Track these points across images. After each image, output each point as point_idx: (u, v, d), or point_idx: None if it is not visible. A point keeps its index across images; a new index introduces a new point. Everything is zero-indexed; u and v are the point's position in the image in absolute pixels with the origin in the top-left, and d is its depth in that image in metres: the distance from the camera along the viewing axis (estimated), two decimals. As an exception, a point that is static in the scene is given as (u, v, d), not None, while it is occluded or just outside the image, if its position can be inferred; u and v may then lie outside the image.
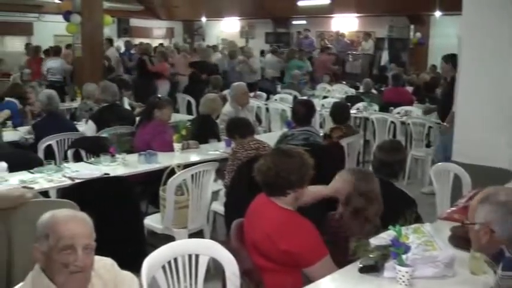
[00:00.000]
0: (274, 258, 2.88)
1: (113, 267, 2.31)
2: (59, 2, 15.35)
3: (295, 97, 10.38)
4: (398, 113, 8.73)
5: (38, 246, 2.09)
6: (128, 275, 2.33)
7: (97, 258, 2.19)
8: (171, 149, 5.55)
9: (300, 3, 16.68)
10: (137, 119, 6.63)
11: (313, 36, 18.02)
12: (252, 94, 9.14)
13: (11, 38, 17.63)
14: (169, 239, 4.33)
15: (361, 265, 2.68)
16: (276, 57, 14.10)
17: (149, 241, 4.57)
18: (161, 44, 17.91)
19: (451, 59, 6.73)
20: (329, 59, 14.66)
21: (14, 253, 3.35)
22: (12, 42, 17.25)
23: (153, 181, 4.87)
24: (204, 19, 20.20)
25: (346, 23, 18.12)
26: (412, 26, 16.60)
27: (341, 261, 2.89)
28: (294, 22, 19.32)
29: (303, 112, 5.42)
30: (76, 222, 2.12)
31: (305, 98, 8.96)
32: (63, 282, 2.06)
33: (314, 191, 3.27)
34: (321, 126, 8.55)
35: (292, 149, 3.18)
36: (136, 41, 17.54)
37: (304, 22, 18.76)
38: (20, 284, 2.16)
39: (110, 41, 14.17)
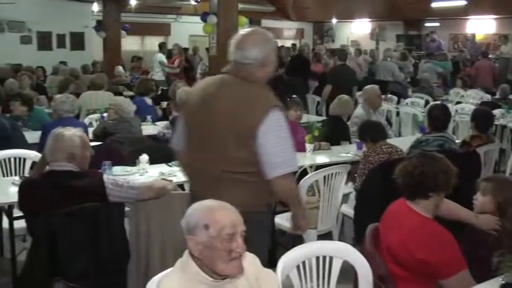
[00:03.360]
0: (409, 267, 2.82)
1: (255, 262, 2.36)
2: (196, 3, 16.06)
3: (426, 101, 10.08)
4: (540, 121, 8.24)
5: (193, 237, 2.15)
6: (269, 272, 2.38)
7: None
8: (303, 149, 5.57)
9: (433, 5, 16.15)
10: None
11: (446, 39, 17.37)
12: (383, 97, 8.98)
13: (150, 38, 18.60)
14: (297, 238, 4.38)
15: (503, 282, 2.57)
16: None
17: (278, 239, 4.64)
18: (293, 45, 18.11)
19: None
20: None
21: (152, 242, 3.55)
22: (151, 42, 18.17)
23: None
24: (334, 20, 20.14)
25: (481, 25, 17.31)
26: (558, 28, 15.54)
27: (479, 275, 2.78)
28: (427, 24, 18.74)
29: (441, 117, 5.22)
30: (230, 211, 2.19)
31: (439, 102, 8.65)
32: (225, 268, 2.14)
33: (459, 213, 3.22)
34: (454, 133, 8.23)
35: (436, 153, 3.10)
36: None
37: (437, 24, 18.14)
38: (170, 269, 2.27)
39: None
